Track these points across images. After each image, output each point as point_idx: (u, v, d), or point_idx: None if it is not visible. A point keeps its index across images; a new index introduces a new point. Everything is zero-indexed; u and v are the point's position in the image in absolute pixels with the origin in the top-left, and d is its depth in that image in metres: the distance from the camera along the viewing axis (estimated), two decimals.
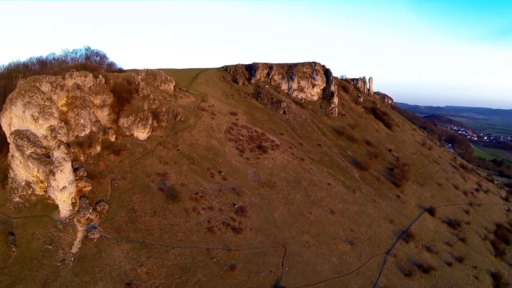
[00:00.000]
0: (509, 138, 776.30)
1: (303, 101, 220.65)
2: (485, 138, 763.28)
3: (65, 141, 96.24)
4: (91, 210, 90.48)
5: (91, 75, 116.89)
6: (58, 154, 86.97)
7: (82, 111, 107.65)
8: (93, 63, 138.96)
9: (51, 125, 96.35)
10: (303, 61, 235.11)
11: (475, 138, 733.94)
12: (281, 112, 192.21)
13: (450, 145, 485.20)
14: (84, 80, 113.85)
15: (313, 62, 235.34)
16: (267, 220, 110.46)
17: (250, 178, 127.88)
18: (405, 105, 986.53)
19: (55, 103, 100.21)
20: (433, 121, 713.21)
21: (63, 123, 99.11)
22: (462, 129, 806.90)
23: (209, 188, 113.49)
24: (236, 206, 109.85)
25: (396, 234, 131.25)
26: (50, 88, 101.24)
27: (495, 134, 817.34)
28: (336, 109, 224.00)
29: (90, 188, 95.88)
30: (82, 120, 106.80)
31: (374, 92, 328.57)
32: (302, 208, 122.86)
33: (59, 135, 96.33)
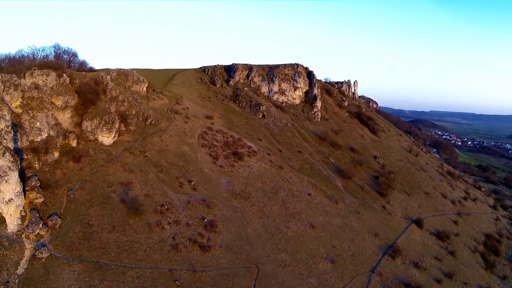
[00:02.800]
0: (492, 143, 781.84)
1: (284, 104, 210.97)
2: (469, 143, 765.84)
3: (17, 147, 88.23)
4: (41, 225, 79.23)
5: (54, 74, 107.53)
6: (2, 162, 76.40)
7: (39, 114, 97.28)
8: (59, 62, 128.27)
9: (2, 129, 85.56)
10: (285, 63, 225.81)
11: (459, 143, 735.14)
12: (260, 116, 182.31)
13: (435, 150, 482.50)
14: (46, 79, 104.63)
15: (295, 63, 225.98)
16: (239, 236, 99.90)
17: (222, 188, 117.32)
18: (390, 109, 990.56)
19: (7, 104, 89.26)
20: (418, 126, 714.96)
21: (10, 127, 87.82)
22: (446, 134, 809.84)
23: (176, 199, 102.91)
24: (205, 220, 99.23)
25: (382, 249, 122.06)
26: (2, 87, 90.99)
27: (479, 139, 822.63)
28: (319, 113, 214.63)
29: (43, 199, 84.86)
30: (38, 124, 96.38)
31: (359, 96, 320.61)
32: (279, 222, 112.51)
33: (4, 140, 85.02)
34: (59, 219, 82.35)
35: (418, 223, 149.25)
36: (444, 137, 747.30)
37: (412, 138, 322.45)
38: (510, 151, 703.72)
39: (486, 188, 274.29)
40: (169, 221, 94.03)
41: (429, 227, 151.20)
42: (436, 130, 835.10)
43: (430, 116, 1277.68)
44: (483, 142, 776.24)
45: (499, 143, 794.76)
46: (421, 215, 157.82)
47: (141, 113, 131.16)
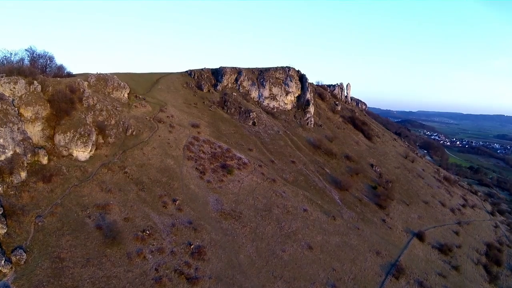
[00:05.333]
0: (481, 143, 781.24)
1: (275, 110, 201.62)
2: (458, 143, 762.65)
3: None
4: (3, 261, 67.21)
5: (23, 81, 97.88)
6: None
7: (2, 129, 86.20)
8: (30, 67, 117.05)
9: None
10: (275, 66, 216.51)
11: (448, 143, 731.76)
12: (250, 124, 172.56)
13: (425, 151, 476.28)
14: (14, 87, 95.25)
15: (286, 66, 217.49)
16: (231, 264, 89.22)
17: (211, 208, 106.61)
18: (378, 109, 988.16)
19: None
20: (407, 126, 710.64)
21: None
22: (435, 134, 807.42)
23: (160, 222, 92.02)
24: (192, 246, 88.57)
25: (385, 268, 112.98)
26: None
27: (467, 139, 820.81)
28: (312, 119, 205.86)
29: (6, 230, 72.87)
30: (1, 140, 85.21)
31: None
32: (273, 245, 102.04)
33: None
34: (24, 253, 70.38)
35: (420, 236, 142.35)
36: (433, 137, 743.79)
37: (406, 143, 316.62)
38: (498, 151, 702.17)
39: (481, 192, 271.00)
40: (152, 249, 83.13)
41: (431, 240, 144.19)
42: (425, 131, 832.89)
43: (418, 116, 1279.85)
44: (472, 142, 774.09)
45: (487, 143, 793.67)
46: (422, 227, 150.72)
47: (121, 122, 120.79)
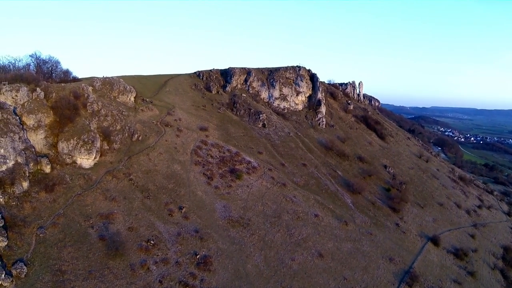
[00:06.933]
0: (495, 138, 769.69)
1: (285, 111, 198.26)
2: (472, 139, 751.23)
3: None
4: (4, 275, 65.12)
5: (26, 88, 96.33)
6: None
7: (2, 139, 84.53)
8: (33, 74, 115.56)
9: None
10: (285, 65, 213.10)
11: (462, 139, 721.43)
12: (260, 126, 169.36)
13: (439, 148, 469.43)
14: (16, 95, 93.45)
15: (297, 66, 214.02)
16: (238, 274, 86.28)
17: (218, 215, 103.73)
18: (391, 106, 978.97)
19: None
20: (420, 123, 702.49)
21: None
22: (448, 130, 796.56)
23: (165, 231, 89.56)
24: (198, 256, 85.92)
25: (398, 276, 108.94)
26: None
27: (481, 135, 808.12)
28: (324, 119, 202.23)
29: (7, 242, 70.93)
30: (2, 150, 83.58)
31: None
32: (282, 253, 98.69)
33: None
34: (25, 266, 68.25)
35: (435, 240, 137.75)
36: (446, 133, 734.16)
37: (420, 141, 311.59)
38: None
39: (497, 191, 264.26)
40: (156, 260, 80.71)
41: (446, 244, 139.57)
42: (439, 127, 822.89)
43: (431, 112, 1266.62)
44: (486, 138, 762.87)
45: (502, 139, 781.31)
46: (437, 231, 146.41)
47: (126, 128, 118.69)
